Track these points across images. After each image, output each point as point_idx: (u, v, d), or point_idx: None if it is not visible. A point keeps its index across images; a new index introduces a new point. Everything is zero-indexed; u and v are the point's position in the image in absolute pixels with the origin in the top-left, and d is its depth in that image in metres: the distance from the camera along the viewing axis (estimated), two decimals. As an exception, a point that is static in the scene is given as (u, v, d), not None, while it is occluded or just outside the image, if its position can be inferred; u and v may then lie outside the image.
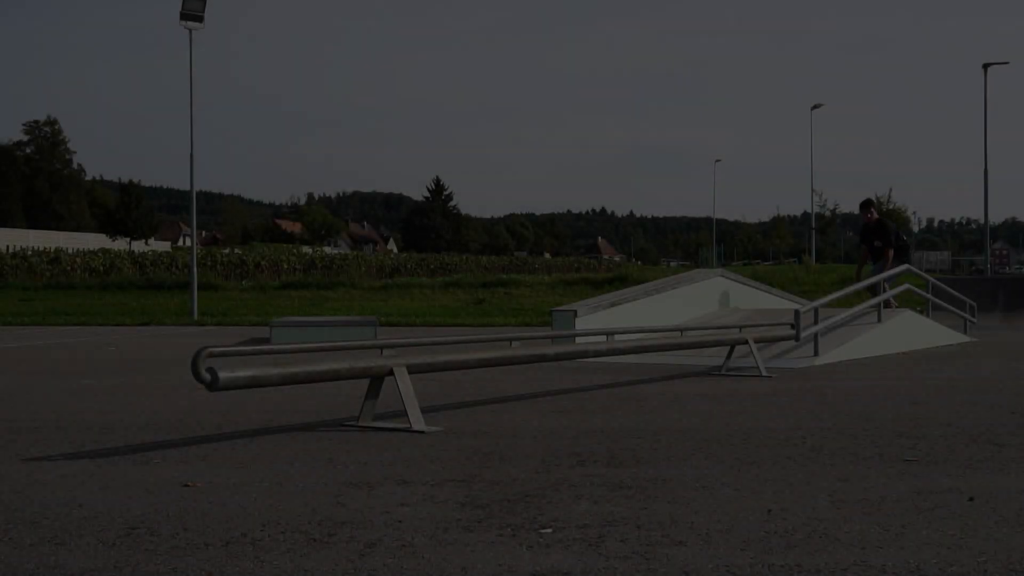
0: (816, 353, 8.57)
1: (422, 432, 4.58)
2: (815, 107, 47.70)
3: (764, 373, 7.42)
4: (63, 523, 2.89)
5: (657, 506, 3.08)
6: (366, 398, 4.88)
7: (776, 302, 12.75)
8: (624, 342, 6.72)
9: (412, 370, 4.84)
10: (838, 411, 5.40)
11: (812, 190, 47.15)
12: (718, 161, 78.65)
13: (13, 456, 4.06)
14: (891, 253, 11.84)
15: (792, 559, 2.48)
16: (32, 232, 67.68)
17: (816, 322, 8.63)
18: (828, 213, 50.59)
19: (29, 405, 5.87)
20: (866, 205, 12.55)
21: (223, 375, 3.97)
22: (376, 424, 4.82)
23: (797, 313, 8.24)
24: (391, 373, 4.72)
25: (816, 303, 8.86)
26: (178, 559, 2.51)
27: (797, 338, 8.24)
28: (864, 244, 12.67)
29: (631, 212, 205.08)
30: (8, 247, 43.51)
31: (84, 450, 4.21)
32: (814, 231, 47.98)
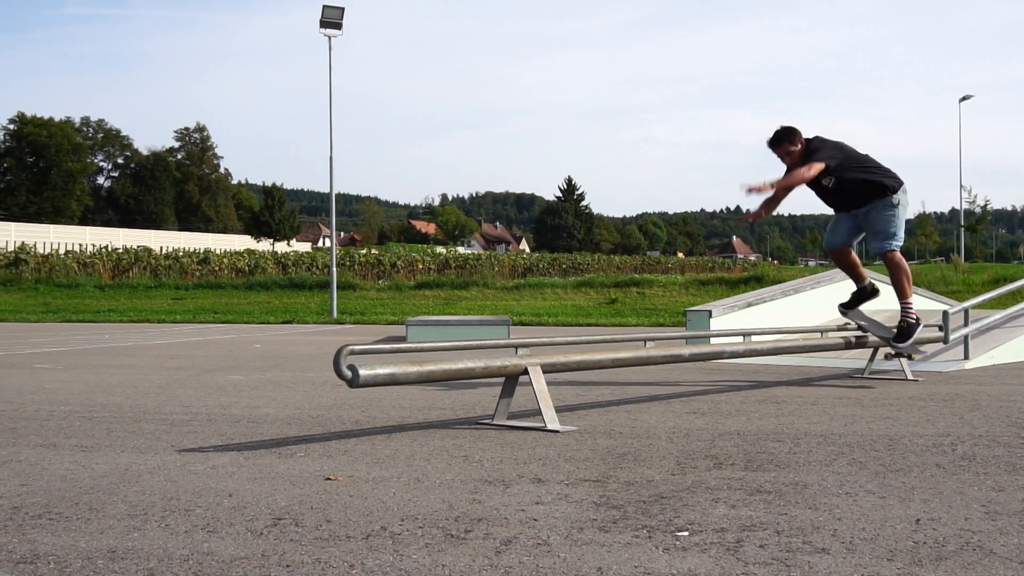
0: (966, 356, 8.18)
1: (556, 431, 4.59)
2: (964, 98, 45.58)
3: (910, 377, 7.14)
4: (214, 512, 3.02)
5: (797, 512, 2.99)
6: (501, 396, 4.92)
7: (922, 303, 12.22)
8: (761, 343, 6.57)
9: (546, 369, 4.85)
10: (991, 417, 5.14)
11: (960, 186, 45.20)
12: (859, 157, 75.41)
13: (168, 447, 4.27)
14: (818, 166, 6.27)
15: (943, 571, 2.37)
16: (183, 234, 71.25)
17: (966, 324, 8.24)
18: (978, 210, 48.31)
19: (182, 399, 6.16)
20: (783, 138, 6.45)
21: (363, 372, 4.07)
22: (510, 423, 4.85)
23: (945, 314, 7.87)
24: (525, 372, 4.74)
25: (966, 304, 8.45)
26: (321, 550, 2.59)
27: (945, 340, 7.88)
28: (830, 198, 6.68)
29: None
30: (162, 248, 45.92)
31: (233, 443, 4.39)
32: (963, 229, 45.91)
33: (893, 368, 7.53)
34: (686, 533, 2.74)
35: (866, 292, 7.10)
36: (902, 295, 6.80)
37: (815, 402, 5.85)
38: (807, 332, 7.54)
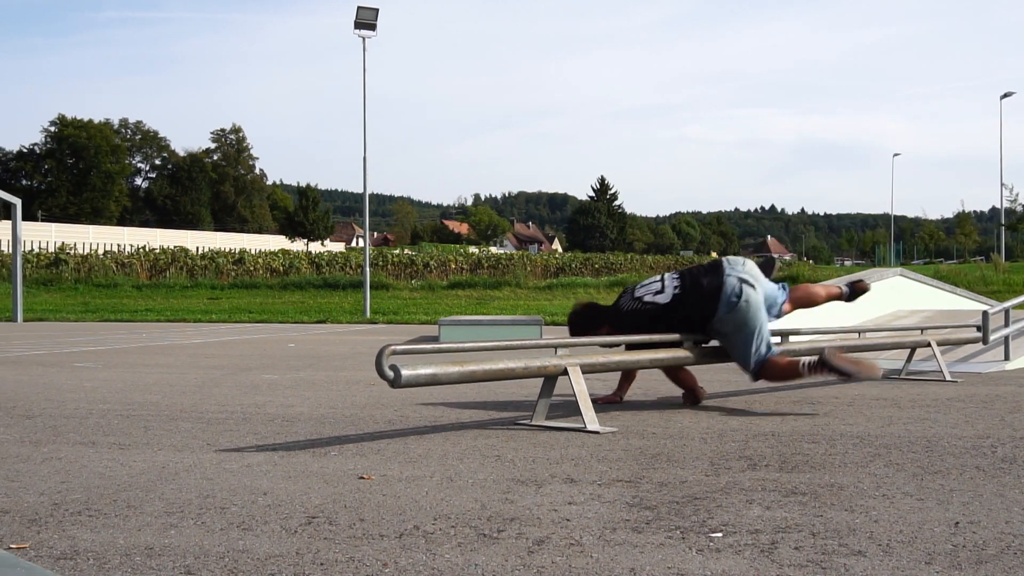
0: (1007, 357, 8.06)
1: (596, 432, 4.57)
2: (1005, 95, 44.98)
3: (948, 378, 7.04)
4: (249, 510, 3.05)
5: (833, 514, 2.96)
6: (539, 397, 4.91)
7: (961, 303, 12.06)
8: (798, 343, 6.51)
9: (585, 370, 4.84)
10: (1032, 419, 5.06)
11: (1001, 184, 44.48)
12: (896, 155, 74.36)
13: (204, 445, 4.31)
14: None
15: (982, 575, 2.34)
16: (219, 234, 71.98)
17: (1007, 324, 8.11)
18: (1019, 208, 47.55)
19: (218, 398, 6.21)
20: (574, 328, 5.76)
21: (406, 373, 4.07)
22: (549, 423, 4.84)
23: (985, 314, 7.76)
24: (565, 372, 4.73)
25: (1007, 304, 8.32)
26: (355, 548, 2.60)
27: (985, 341, 7.76)
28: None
29: (802, 209, 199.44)
30: (198, 248, 46.40)
31: (267, 441, 4.42)
32: (1003, 228, 45.26)
33: (931, 369, 7.44)
34: (720, 534, 2.73)
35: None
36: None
37: (851, 403, 5.79)
38: (844, 332, 7.47)
